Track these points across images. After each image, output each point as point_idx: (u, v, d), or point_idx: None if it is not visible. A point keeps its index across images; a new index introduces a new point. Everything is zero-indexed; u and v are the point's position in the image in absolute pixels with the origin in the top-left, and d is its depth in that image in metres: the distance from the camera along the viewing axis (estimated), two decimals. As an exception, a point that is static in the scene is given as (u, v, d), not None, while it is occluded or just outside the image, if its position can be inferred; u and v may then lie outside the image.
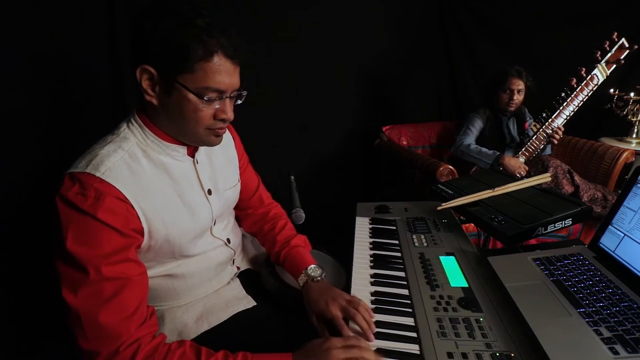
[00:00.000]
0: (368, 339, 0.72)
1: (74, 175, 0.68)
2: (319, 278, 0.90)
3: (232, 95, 0.76)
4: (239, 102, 0.80)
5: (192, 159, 0.84)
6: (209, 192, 0.87)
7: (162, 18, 0.68)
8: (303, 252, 0.98)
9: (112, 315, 0.64)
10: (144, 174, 0.74)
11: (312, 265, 0.92)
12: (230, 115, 0.77)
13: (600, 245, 0.87)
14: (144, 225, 0.73)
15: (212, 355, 0.68)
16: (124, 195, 0.69)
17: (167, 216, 0.77)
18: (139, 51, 0.71)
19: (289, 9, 2.02)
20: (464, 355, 0.65)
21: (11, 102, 1.11)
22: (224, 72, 0.71)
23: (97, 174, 0.68)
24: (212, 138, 0.79)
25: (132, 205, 0.70)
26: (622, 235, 0.83)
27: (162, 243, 0.78)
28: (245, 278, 1.01)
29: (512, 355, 0.65)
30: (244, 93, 0.79)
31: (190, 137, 0.79)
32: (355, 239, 1.07)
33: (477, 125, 2.10)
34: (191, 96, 0.71)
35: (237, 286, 0.97)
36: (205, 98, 0.71)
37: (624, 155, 1.91)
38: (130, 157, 0.74)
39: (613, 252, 0.83)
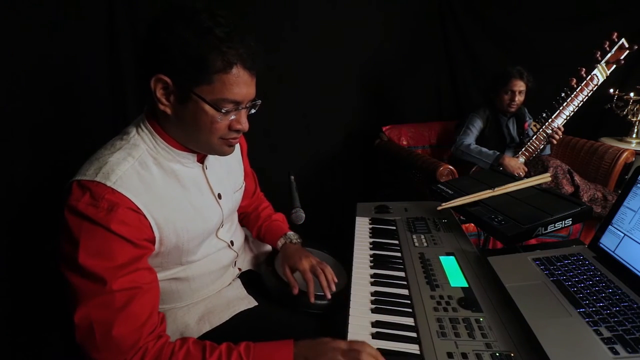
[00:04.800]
0: (326, 296, 0.88)
1: (82, 184, 0.67)
2: (296, 241, 1.03)
3: (247, 105, 0.75)
4: (253, 111, 0.79)
5: (201, 165, 0.84)
6: (219, 196, 0.87)
7: (178, 27, 0.65)
8: (283, 225, 1.10)
9: (125, 326, 0.64)
10: (155, 183, 0.73)
11: (292, 232, 1.06)
12: (245, 126, 0.76)
13: (600, 245, 0.87)
14: (156, 234, 0.73)
15: (216, 348, 0.68)
16: (136, 206, 0.68)
17: (178, 223, 0.76)
18: (153, 60, 0.68)
19: (289, 9, 2.02)
20: (464, 355, 0.65)
21: (11, 104, 1.11)
22: (242, 84, 0.70)
23: (108, 184, 0.66)
24: (225, 148, 0.78)
25: (144, 216, 0.70)
26: (622, 235, 0.83)
27: (171, 249, 0.77)
28: (247, 278, 1.01)
29: (512, 355, 0.65)
30: (258, 102, 0.78)
31: (203, 146, 0.78)
32: (355, 239, 1.07)
33: (477, 126, 2.10)
34: (208, 108, 0.70)
35: (239, 286, 0.97)
36: (223, 110, 0.70)
37: (624, 155, 1.91)
38: (140, 165, 0.72)
39: (613, 252, 0.83)
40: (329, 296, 0.88)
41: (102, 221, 0.64)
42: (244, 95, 0.71)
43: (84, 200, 0.65)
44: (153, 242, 0.73)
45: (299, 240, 1.04)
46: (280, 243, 1.03)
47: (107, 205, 0.65)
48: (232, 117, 0.73)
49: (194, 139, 0.76)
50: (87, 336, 0.63)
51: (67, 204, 0.66)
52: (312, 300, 0.88)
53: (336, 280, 0.91)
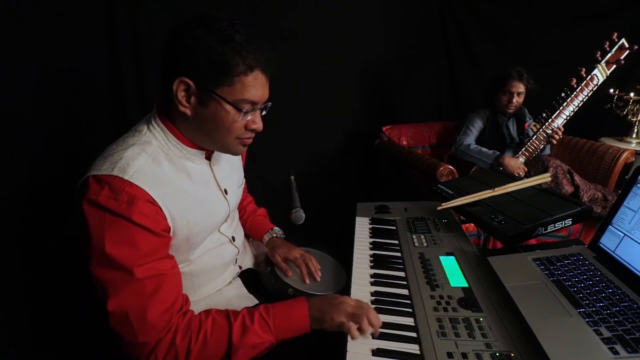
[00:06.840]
0: (305, 281, 0.98)
1: (99, 178, 0.69)
2: (281, 236, 1.12)
3: (261, 106, 0.80)
4: (264, 112, 0.83)
5: (208, 161, 0.87)
6: (225, 191, 0.91)
7: (203, 34, 0.70)
8: (267, 220, 1.18)
9: (157, 310, 0.68)
10: (167, 177, 0.76)
11: (277, 227, 1.14)
12: (260, 125, 0.81)
13: (600, 245, 0.87)
14: (171, 225, 0.76)
15: (239, 313, 0.75)
16: (153, 198, 0.71)
17: (190, 217, 0.79)
18: (177, 64, 0.72)
19: (289, 9, 2.02)
20: (464, 355, 0.65)
21: (10, 105, 1.11)
22: (259, 85, 0.76)
23: (126, 177, 0.69)
24: (240, 147, 0.82)
25: (160, 208, 0.73)
26: (622, 235, 0.83)
27: (181, 242, 0.80)
28: (246, 277, 1.02)
29: (512, 355, 0.65)
30: (269, 104, 0.82)
31: (219, 145, 0.82)
32: (355, 239, 1.08)
33: (477, 126, 2.10)
34: (229, 107, 0.74)
35: (239, 285, 0.98)
36: (243, 110, 0.75)
37: (624, 155, 1.91)
38: (153, 160, 0.75)
39: (613, 252, 0.83)
40: (318, 279, 1.00)
41: (124, 213, 0.67)
42: (260, 96, 0.77)
43: (103, 194, 0.67)
44: (169, 232, 0.76)
45: (283, 235, 1.12)
46: (267, 237, 1.11)
47: (127, 197, 0.68)
48: (249, 117, 0.78)
49: (211, 138, 0.79)
50: (123, 323, 0.67)
51: (86, 198, 0.68)
52: (307, 281, 0.99)
53: (317, 274, 1.01)
